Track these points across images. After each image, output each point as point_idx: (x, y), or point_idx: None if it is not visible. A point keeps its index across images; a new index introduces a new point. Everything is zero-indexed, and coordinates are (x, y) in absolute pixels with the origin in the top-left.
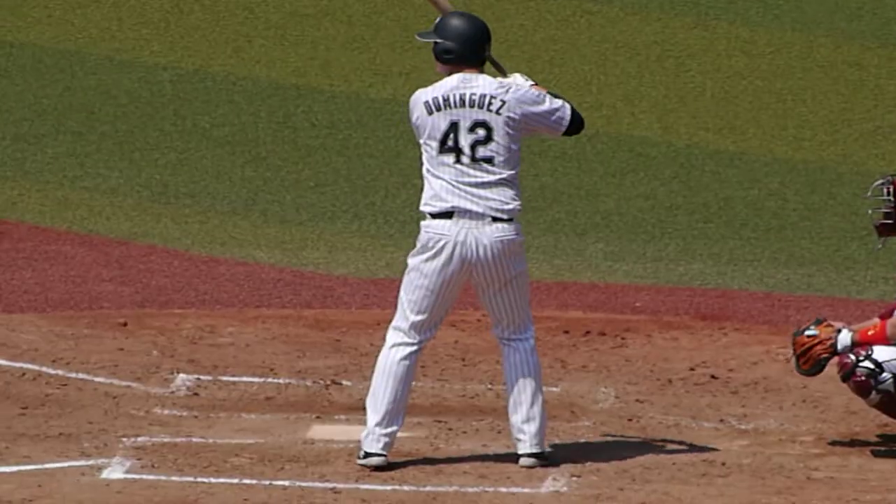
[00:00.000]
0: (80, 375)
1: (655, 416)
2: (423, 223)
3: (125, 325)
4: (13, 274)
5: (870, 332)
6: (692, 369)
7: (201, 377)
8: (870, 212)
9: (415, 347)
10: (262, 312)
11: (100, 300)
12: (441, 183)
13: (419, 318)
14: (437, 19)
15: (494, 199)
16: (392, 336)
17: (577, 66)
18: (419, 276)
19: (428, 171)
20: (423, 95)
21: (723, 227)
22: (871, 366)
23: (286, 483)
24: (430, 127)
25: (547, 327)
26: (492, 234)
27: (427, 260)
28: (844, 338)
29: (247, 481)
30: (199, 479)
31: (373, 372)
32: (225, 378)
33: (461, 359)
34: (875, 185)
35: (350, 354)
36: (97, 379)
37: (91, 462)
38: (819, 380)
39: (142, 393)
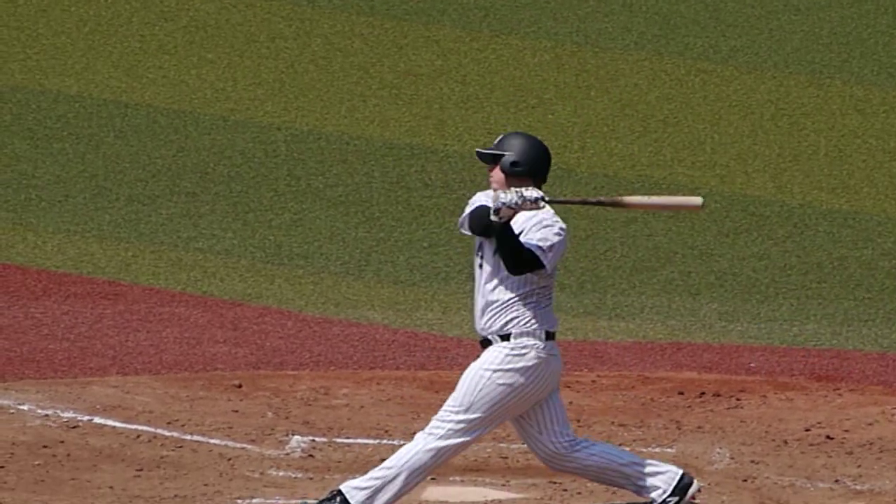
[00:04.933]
0: (195, 437)
1: (771, 476)
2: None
3: (240, 386)
4: (128, 336)
5: None
6: (807, 430)
7: (316, 439)
8: None
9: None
10: (376, 374)
11: (214, 362)
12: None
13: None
14: (514, 141)
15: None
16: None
17: (691, 125)
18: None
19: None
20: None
21: (837, 287)
22: None
23: None
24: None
25: (662, 388)
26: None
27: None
28: None
29: None
30: None
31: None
32: (340, 440)
33: (576, 420)
34: None
35: None
36: (212, 441)
37: None
38: None
39: (256, 455)
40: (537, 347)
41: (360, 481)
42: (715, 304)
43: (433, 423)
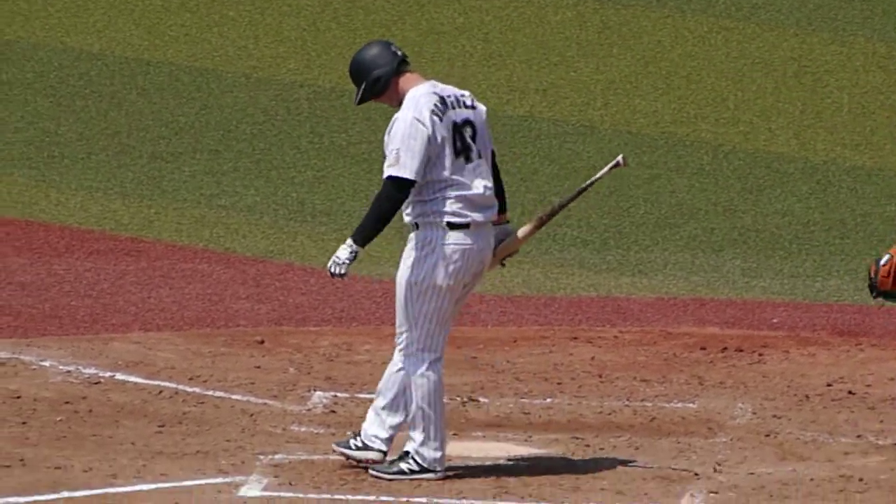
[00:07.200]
0: (218, 393)
1: (793, 431)
2: None
3: (262, 342)
4: (150, 292)
5: None
6: (829, 385)
7: (338, 394)
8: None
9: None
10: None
11: (236, 318)
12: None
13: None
14: (354, 69)
15: None
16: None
17: (714, 82)
18: None
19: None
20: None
21: (860, 242)
22: None
23: (423, 500)
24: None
25: (684, 343)
26: None
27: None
28: None
29: (384, 498)
30: (336, 497)
31: (431, 394)
32: (362, 395)
33: (598, 375)
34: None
35: (486, 371)
36: (234, 396)
37: (228, 479)
38: None
39: (279, 410)
40: (441, 241)
41: (411, 444)
42: (738, 259)
43: (400, 356)
